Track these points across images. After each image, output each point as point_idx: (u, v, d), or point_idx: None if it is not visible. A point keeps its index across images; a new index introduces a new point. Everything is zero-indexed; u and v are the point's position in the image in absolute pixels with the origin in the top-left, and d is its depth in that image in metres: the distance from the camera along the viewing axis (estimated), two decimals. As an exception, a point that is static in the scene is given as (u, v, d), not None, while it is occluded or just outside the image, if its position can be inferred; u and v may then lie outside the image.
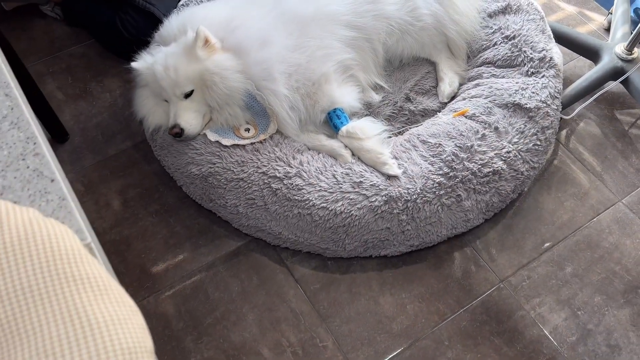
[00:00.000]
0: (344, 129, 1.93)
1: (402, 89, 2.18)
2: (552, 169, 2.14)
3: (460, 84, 2.19)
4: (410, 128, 2.07)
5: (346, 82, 2.05)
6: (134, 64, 1.96)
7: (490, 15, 2.25)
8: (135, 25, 2.24)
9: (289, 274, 1.87)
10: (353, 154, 1.94)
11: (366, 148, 1.90)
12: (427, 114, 2.15)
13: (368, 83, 2.14)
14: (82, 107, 2.26)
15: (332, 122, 1.97)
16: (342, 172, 1.86)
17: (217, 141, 1.91)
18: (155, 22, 2.22)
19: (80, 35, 2.46)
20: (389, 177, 1.86)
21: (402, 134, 2.06)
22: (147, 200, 2.05)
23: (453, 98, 2.17)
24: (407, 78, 2.21)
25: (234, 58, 1.89)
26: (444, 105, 2.16)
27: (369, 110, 2.13)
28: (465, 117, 1.99)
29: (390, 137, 1.99)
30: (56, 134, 2.14)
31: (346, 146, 1.94)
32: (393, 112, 2.14)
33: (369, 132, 1.93)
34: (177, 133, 1.86)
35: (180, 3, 2.29)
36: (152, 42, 2.09)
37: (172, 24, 2.04)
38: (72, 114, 2.24)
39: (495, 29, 2.20)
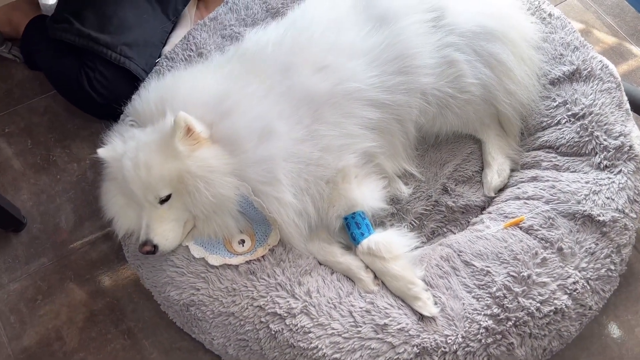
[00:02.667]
0: (364, 243, 1.51)
1: (438, 177, 1.74)
2: (620, 281, 1.71)
3: (512, 170, 1.75)
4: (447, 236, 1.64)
5: (368, 175, 1.62)
6: (100, 151, 1.53)
7: (552, 83, 1.78)
8: (106, 85, 1.80)
9: None
10: (375, 277, 1.52)
11: (393, 273, 1.48)
12: (469, 211, 1.71)
13: (395, 172, 1.70)
14: (44, 183, 1.84)
15: (349, 230, 1.55)
16: (361, 308, 1.45)
17: (203, 258, 1.50)
18: (132, 80, 1.78)
19: (45, 83, 2.02)
20: (422, 316, 1.45)
21: (437, 242, 1.64)
22: (119, 314, 1.66)
23: (502, 189, 1.73)
24: (445, 161, 1.77)
25: (225, 155, 1.46)
26: (489, 199, 1.73)
27: (397, 206, 1.70)
28: (520, 227, 1.56)
29: (422, 245, 1.57)
30: (9, 222, 1.73)
31: (367, 266, 1.53)
32: (426, 209, 1.71)
33: (396, 250, 1.50)
34: (149, 251, 1.45)
35: (162, 58, 1.83)
36: (124, 116, 1.66)
37: (148, 98, 1.60)
38: (31, 191, 1.83)
39: (560, 102, 1.74)
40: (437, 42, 1.63)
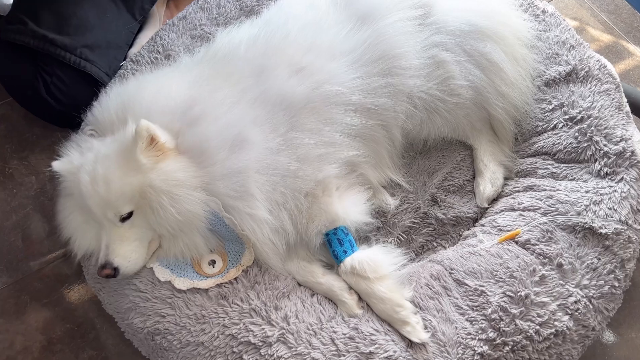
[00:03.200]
0: (347, 262, 1.38)
1: (426, 187, 1.62)
2: (625, 297, 1.59)
3: (505, 178, 1.63)
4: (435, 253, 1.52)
5: (351, 186, 1.48)
6: (55, 164, 1.39)
7: (547, 84, 1.66)
8: (65, 91, 1.65)
9: None
10: (360, 298, 1.39)
11: (379, 295, 1.35)
12: (460, 223, 1.59)
13: (380, 182, 1.57)
14: (-1, 198, 1.69)
15: (331, 248, 1.41)
16: (344, 335, 1.32)
17: (169, 281, 1.36)
18: (94, 85, 1.63)
19: (1, 89, 1.86)
20: (412, 343, 1.32)
21: (427, 258, 1.51)
22: (80, 342, 1.52)
23: (495, 199, 1.61)
24: (434, 169, 1.64)
25: (192, 167, 1.32)
26: (482, 210, 1.60)
27: (382, 219, 1.57)
28: (516, 242, 1.44)
29: (410, 262, 1.44)
30: (-41, 242, 1.58)
31: (351, 287, 1.39)
32: (414, 222, 1.58)
33: (382, 269, 1.37)
34: (109, 275, 1.31)
35: (127, 60, 1.68)
36: (83, 126, 1.51)
37: (109, 105, 1.45)
38: (-16, 207, 1.68)
39: (556, 105, 1.62)
40: (424, 42, 1.51)
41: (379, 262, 1.38)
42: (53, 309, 1.55)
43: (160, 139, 1.31)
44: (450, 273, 1.42)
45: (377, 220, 1.55)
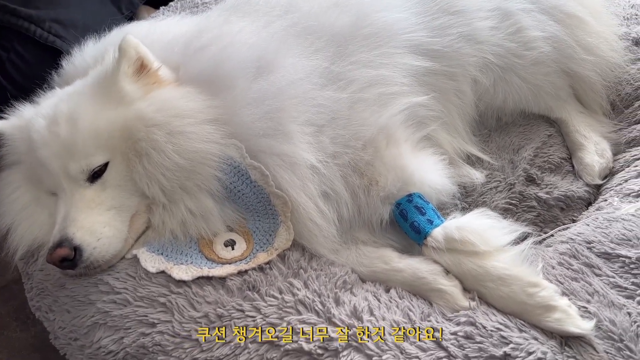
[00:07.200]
0: (438, 233, 0.90)
1: (515, 163, 1.19)
2: None
3: (613, 154, 1.22)
4: (557, 231, 1.05)
5: (422, 148, 1.06)
6: (-3, 125, 0.95)
7: (637, 43, 1.34)
8: (25, 70, 1.27)
9: None
10: (465, 289, 0.88)
11: (498, 273, 0.86)
12: (571, 205, 1.14)
13: (457, 152, 1.15)
14: None
15: (407, 220, 0.94)
16: (455, 334, 0.79)
17: (163, 271, 0.85)
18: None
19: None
20: (566, 339, 0.80)
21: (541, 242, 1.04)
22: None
23: (608, 175, 1.18)
24: (519, 145, 1.23)
25: (201, 95, 0.90)
26: (596, 189, 1.17)
27: (467, 200, 1.11)
28: (668, 203, 0.99)
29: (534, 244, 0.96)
30: None
31: (447, 270, 0.89)
32: (511, 203, 1.12)
33: (496, 238, 0.90)
34: (65, 258, 0.81)
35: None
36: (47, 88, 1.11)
37: (85, 52, 1.07)
38: None
39: (656, 61, 1.28)
40: None
41: (488, 229, 0.90)
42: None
43: (152, 65, 0.92)
44: (589, 247, 0.94)
45: (460, 201, 1.09)
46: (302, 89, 0.94)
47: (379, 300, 0.86)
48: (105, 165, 0.87)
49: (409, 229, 0.94)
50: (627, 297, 0.86)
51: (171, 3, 1.45)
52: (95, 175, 0.87)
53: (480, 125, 1.26)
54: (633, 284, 0.87)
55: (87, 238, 0.83)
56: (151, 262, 0.86)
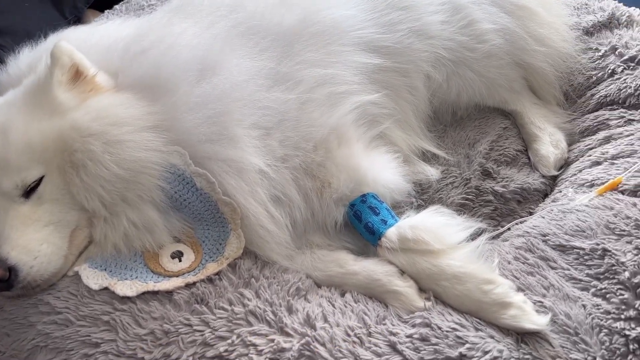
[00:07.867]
0: (392, 233, 0.89)
1: (471, 157, 1.18)
2: None
3: (568, 144, 1.22)
4: (513, 225, 1.04)
5: (375, 146, 1.04)
6: None
7: (587, 32, 1.35)
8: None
9: None
10: (421, 289, 0.87)
11: (452, 272, 0.84)
12: (528, 198, 1.14)
13: (411, 149, 1.13)
14: None
15: (362, 221, 0.92)
16: (410, 337, 0.78)
17: (106, 288, 0.82)
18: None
19: None
20: (522, 335, 0.79)
21: (496, 237, 1.03)
22: None
23: (563, 166, 1.19)
24: (474, 139, 1.23)
25: (140, 102, 0.87)
26: (552, 181, 1.17)
27: (422, 197, 1.10)
28: (621, 192, 0.99)
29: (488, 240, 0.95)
30: None
31: (402, 271, 0.88)
32: (467, 198, 1.11)
33: (450, 236, 0.88)
34: (0, 279, 0.77)
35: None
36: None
37: (20, 60, 1.02)
38: None
39: (607, 50, 1.29)
40: None
41: (441, 227, 0.89)
42: None
43: (89, 71, 0.88)
44: (544, 240, 0.93)
45: (415, 199, 1.08)
46: (247, 91, 0.91)
47: (333, 305, 0.84)
48: (40, 179, 0.83)
49: (364, 230, 0.92)
50: (582, 289, 0.85)
51: (116, 6, 1.40)
52: (29, 190, 0.83)
53: (435, 120, 1.25)
54: (587, 275, 0.86)
55: (23, 257, 0.79)
56: (94, 278, 0.82)
